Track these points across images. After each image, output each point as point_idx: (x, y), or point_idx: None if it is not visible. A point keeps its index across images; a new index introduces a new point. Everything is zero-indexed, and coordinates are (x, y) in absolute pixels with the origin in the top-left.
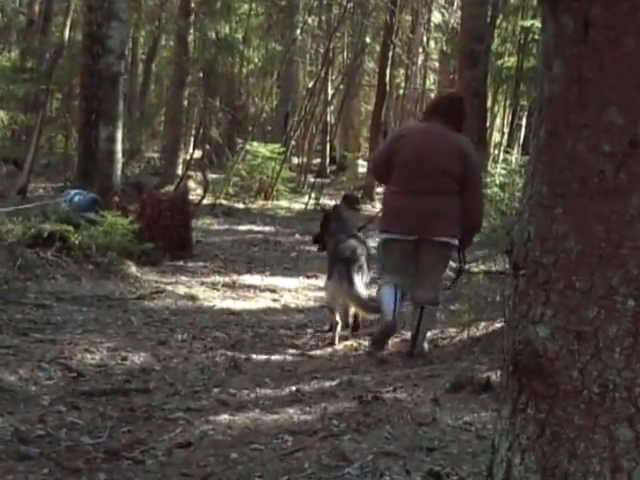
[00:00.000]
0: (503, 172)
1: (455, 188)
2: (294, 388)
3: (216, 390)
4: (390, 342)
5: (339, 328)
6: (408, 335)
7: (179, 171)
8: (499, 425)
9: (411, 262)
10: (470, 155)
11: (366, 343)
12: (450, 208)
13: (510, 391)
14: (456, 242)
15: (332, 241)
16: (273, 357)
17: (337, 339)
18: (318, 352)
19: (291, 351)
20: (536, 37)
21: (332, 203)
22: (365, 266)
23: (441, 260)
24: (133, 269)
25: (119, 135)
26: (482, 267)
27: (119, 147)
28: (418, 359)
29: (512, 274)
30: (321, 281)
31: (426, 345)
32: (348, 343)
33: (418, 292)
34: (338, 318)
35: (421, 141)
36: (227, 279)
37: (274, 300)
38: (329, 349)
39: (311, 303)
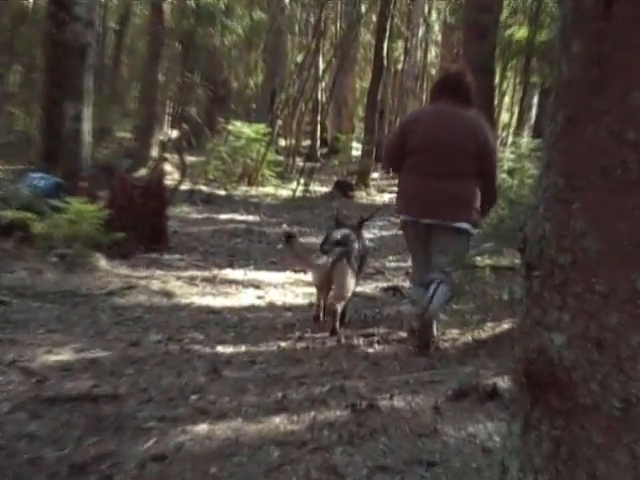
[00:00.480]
0: (512, 157)
1: (472, 170)
2: (280, 395)
3: (194, 397)
4: (386, 344)
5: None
6: (405, 335)
7: (154, 153)
8: (509, 442)
9: (426, 246)
10: (484, 133)
11: (361, 342)
12: (467, 192)
13: (521, 405)
14: (472, 229)
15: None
16: (257, 360)
17: (321, 316)
18: (307, 355)
19: (277, 354)
20: (550, 7)
21: (323, 190)
22: (354, 252)
23: (456, 247)
24: (102, 262)
25: (87, 113)
26: (488, 261)
27: (87, 126)
28: (420, 360)
29: (525, 275)
30: (310, 276)
31: (435, 331)
32: (341, 343)
33: (431, 274)
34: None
35: (433, 123)
36: (206, 273)
37: (259, 297)
38: (316, 347)
39: (299, 300)
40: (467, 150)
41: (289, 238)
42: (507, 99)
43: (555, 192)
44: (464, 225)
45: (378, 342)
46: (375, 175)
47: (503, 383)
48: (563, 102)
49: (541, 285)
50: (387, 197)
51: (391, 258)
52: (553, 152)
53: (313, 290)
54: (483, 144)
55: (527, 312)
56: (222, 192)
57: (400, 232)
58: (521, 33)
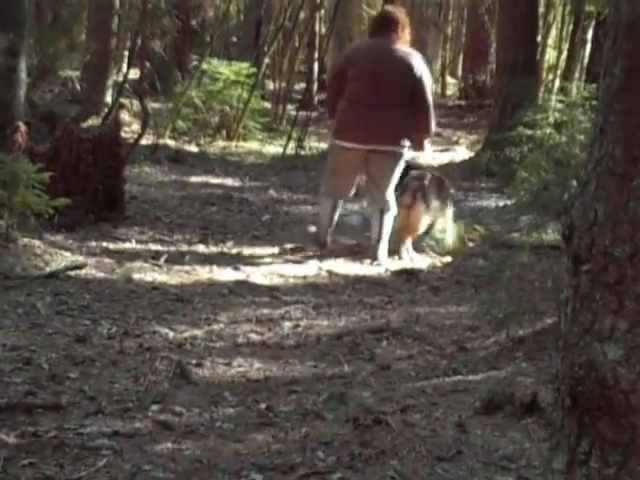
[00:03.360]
0: (559, 106)
1: (406, 101)
2: (264, 406)
3: (155, 407)
4: (398, 342)
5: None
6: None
7: (108, 98)
8: None
9: (358, 170)
10: (420, 67)
11: (366, 339)
12: (401, 120)
13: (566, 434)
14: (405, 150)
15: None
16: (235, 362)
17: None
18: (298, 355)
19: (260, 353)
20: None
21: (321, 146)
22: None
23: (390, 167)
24: (42, 235)
25: (23, 46)
26: (527, 239)
27: (23, 63)
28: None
29: (572, 270)
30: (300, 253)
31: (385, 256)
32: (341, 340)
33: (373, 193)
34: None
35: (373, 56)
36: (173, 251)
37: (238, 281)
38: (310, 344)
39: (290, 285)
40: (404, 82)
41: None
42: (554, 33)
43: (611, 165)
44: (401, 149)
45: (388, 339)
46: None
47: (545, 393)
48: (622, 50)
49: (592, 283)
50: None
51: None
52: (609, 114)
53: (306, 272)
54: (419, 79)
55: (574, 317)
56: (194, 148)
57: None
58: None
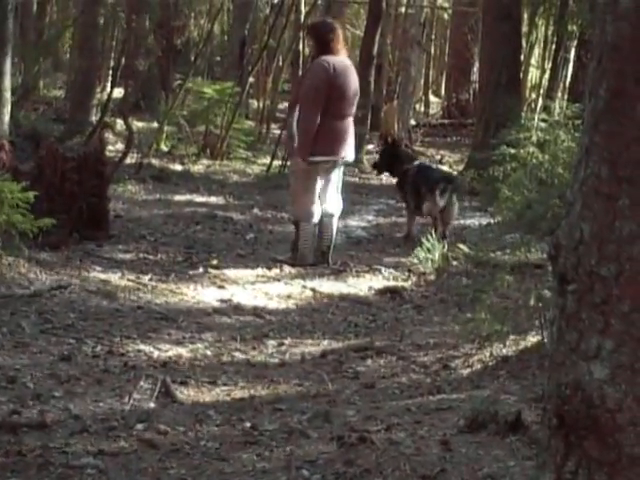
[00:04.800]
0: (542, 125)
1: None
2: (248, 424)
3: (140, 426)
4: (381, 361)
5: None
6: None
7: (92, 117)
8: None
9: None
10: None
11: (350, 357)
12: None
13: (552, 454)
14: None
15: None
16: (220, 381)
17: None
18: (283, 373)
19: (245, 372)
20: None
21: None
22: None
23: (342, 173)
24: (26, 255)
25: (7, 66)
26: (511, 258)
27: (7, 82)
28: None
29: (558, 289)
30: (284, 272)
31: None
32: (326, 359)
33: (333, 198)
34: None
35: (345, 72)
36: (157, 270)
37: (222, 300)
38: (294, 363)
39: (274, 304)
40: (356, 95)
41: None
42: (537, 53)
43: (596, 185)
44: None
45: (372, 358)
46: (370, 147)
47: (529, 412)
48: (607, 71)
49: (578, 302)
50: (384, 175)
51: (391, 251)
52: (594, 134)
53: (291, 291)
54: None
55: (560, 336)
56: (178, 167)
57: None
58: None
